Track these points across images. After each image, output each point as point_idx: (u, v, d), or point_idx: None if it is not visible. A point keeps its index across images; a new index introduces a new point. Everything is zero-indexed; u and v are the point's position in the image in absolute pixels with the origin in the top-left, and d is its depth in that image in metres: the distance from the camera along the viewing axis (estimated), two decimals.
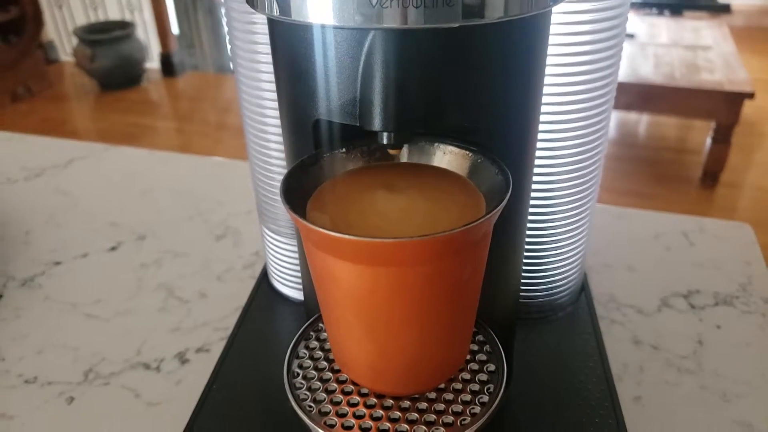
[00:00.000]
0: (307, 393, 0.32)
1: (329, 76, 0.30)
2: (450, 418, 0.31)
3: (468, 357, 0.35)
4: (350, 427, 0.31)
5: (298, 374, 0.34)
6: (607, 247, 0.63)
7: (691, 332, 0.53)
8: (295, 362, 0.34)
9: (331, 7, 0.26)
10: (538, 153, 0.43)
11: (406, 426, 0.31)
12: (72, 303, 0.58)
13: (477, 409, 0.31)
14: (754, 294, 0.57)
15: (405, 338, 0.29)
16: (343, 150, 0.33)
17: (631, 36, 2.73)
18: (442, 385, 0.33)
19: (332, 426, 0.31)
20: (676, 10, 3.89)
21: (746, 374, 0.48)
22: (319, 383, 0.33)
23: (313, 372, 0.34)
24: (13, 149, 0.89)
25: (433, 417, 0.31)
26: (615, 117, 2.85)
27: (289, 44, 0.31)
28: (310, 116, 0.32)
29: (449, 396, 0.32)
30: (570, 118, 0.42)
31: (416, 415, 0.31)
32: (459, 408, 0.31)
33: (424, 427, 0.31)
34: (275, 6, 0.28)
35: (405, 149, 0.33)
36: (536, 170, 0.44)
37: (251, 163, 0.49)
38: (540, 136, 0.42)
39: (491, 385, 0.33)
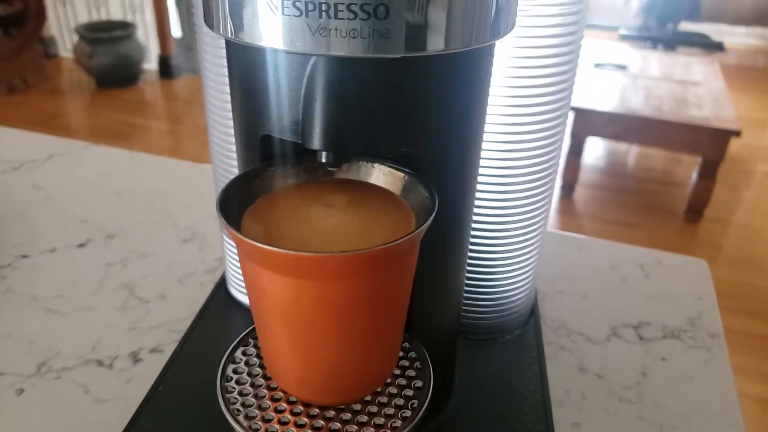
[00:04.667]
0: (238, 397, 0.33)
1: (275, 96, 0.31)
2: (371, 430, 0.32)
3: (398, 372, 0.36)
4: None
5: (231, 378, 0.35)
6: (564, 275, 0.65)
7: (637, 363, 0.54)
8: (231, 367, 0.35)
9: (277, 32, 0.27)
10: (492, 174, 0.44)
11: None
12: (33, 296, 0.58)
13: (398, 423, 0.32)
14: (702, 329, 0.58)
15: (328, 349, 0.30)
16: (287, 165, 0.35)
17: (623, 67, 2.78)
18: (369, 398, 0.34)
19: (256, 430, 0.32)
20: (670, 45, 3.95)
21: (685, 407, 0.49)
22: (250, 389, 0.34)
23: (246, 377, 0.35)
24: None
25: (354, 428, 0.32)
26: (604, 146, 2.88)
27: (243, 63, 0.32)
28: (258, 131, 0.33)
29: (374, 409, 0.33)
30: (523, 146, 0.44)
31: (339, 425, 0.32)
32: (381, 421, 0.32)
33: None
34: (230, 28, 0.30)
35: (345, 167, 0.35)
36: (489, 193, 0.45)
37: (214, 169, 0.51)
38: (494, 160, 0.44)
39: (416, 401, 0.34)
